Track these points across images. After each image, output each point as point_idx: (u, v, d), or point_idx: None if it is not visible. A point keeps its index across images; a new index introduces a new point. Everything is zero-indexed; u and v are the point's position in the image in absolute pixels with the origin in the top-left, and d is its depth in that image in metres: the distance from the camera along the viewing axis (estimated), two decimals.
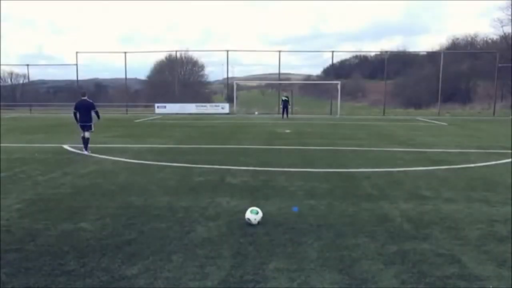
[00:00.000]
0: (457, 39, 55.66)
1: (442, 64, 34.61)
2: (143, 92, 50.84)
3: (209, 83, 55.39)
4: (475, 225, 5.20)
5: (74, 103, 11.86)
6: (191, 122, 25.14)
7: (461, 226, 5.16)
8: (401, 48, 62.15)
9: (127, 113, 35.69)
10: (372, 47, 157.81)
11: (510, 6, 42.53)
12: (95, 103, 12.05)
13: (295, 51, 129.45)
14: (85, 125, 11.64)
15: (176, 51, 41.35)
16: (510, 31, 44.60)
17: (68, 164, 9.64)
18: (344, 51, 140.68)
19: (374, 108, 41.57)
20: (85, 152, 11.38)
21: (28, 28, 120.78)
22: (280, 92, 35.74)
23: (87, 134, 11.64)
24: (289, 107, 29.76)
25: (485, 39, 52.78)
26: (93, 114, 11.73)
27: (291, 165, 9.43)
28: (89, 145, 11.66)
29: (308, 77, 58.49)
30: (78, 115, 11.60)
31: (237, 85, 36.01)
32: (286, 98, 29.43)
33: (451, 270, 3.87)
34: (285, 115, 28.78)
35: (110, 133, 16.86)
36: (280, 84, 38.80)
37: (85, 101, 11.75)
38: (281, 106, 30.05)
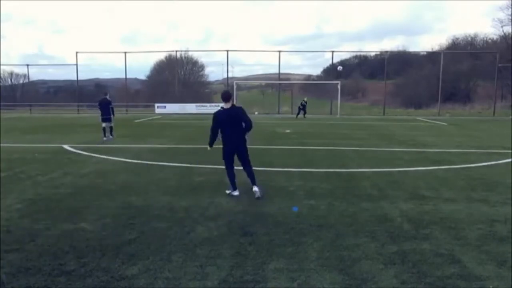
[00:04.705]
0: (457, 39, 55.75)
1: (442, 64, 34.62)
2: (143, 92, 50.83)
3: (209, 83, 55.45)
4: (475, 225, 5.20)
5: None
6: (191, 122, 25.13)
7: (461, 226, 5.16)
8: (401, 48, 62.20)
9: (127, 113, 35.69)
10: (374, 47, 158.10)
11: (510, 6, 42.53)
12: (98, 102, 15.72)
13: (295, 51, 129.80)
14: (106, 117, 15.12)
15: (176, 51, 41.46)
16: (510, 31, 44.62)
17: (68, 164, 9.63)
18: (344, 51, 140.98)
19: (374, 108, 41.61)
20: (111, 137, 14.96)
21: (29, 28, 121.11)
22: (283, 93, 35.44)
23: (109, 125, 15.19)
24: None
25: (485, 39, 52.87)
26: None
27: (291, 165, 9.43)
28: (113, 132, 15.34)
29: (309, 77, 58.56)
30: (101, 109, 15.24)
31: (237, 85, 36.01)
32: (306, 102, 29.81)
33: (451, 270, 3.86)
34: (300, 115, 29.30)
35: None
36: (280, 84, 38.79)
37: (105, 99, 15.31)
38: (301, 108, 29.82)
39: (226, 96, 6.50)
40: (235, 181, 6.71)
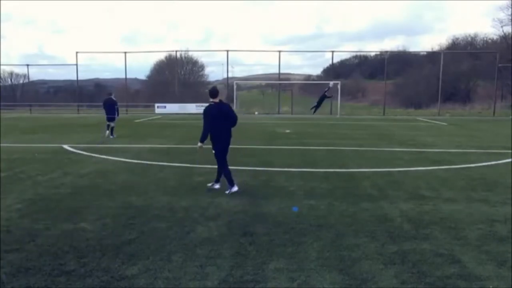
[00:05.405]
0: (457, 39, 55.69)
1: (442, 64, 34.61)
2: (143, 92, 50.76)
3: (209, 83, 55.37)
4: (475, 225, 5.20)
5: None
6: (191, 122, 25.12)
7: (461, 226, 5.16)
8: (401, 48, 62.17)
9: (127, 113, 35.63)
10: (375, 47, 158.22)
11: (510, 6, 42.49)
12: (101, 102, 16.59)
13: (295, 51, 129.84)
14: (110, 117, 15.53)
15: (176, 51, 41.41)
16: (510, 31, 44.59)
17: (68, 164, 9.63)
18: (344, 51, 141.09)
19: (374, 108, 41.59)
20: (111, 137, 15.22)
21: (29, 28, 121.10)
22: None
23: (112, 124, 15.55)
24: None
25: (485, 39, 52.79)
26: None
27: (291, 165, 9.43)
28: (113, 132, 15.57)
29: (309, 77, 58.50)
30: (105, 108, 15.74)
31: (237, 85, 36.00)
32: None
33: (451, 270, 3.87)
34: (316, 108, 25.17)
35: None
36: (280, 84, 38.80)
37: (110, 99, 15.89)
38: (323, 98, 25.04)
39: (214, 92, 6.77)
40: (232, 178, 6.83)
